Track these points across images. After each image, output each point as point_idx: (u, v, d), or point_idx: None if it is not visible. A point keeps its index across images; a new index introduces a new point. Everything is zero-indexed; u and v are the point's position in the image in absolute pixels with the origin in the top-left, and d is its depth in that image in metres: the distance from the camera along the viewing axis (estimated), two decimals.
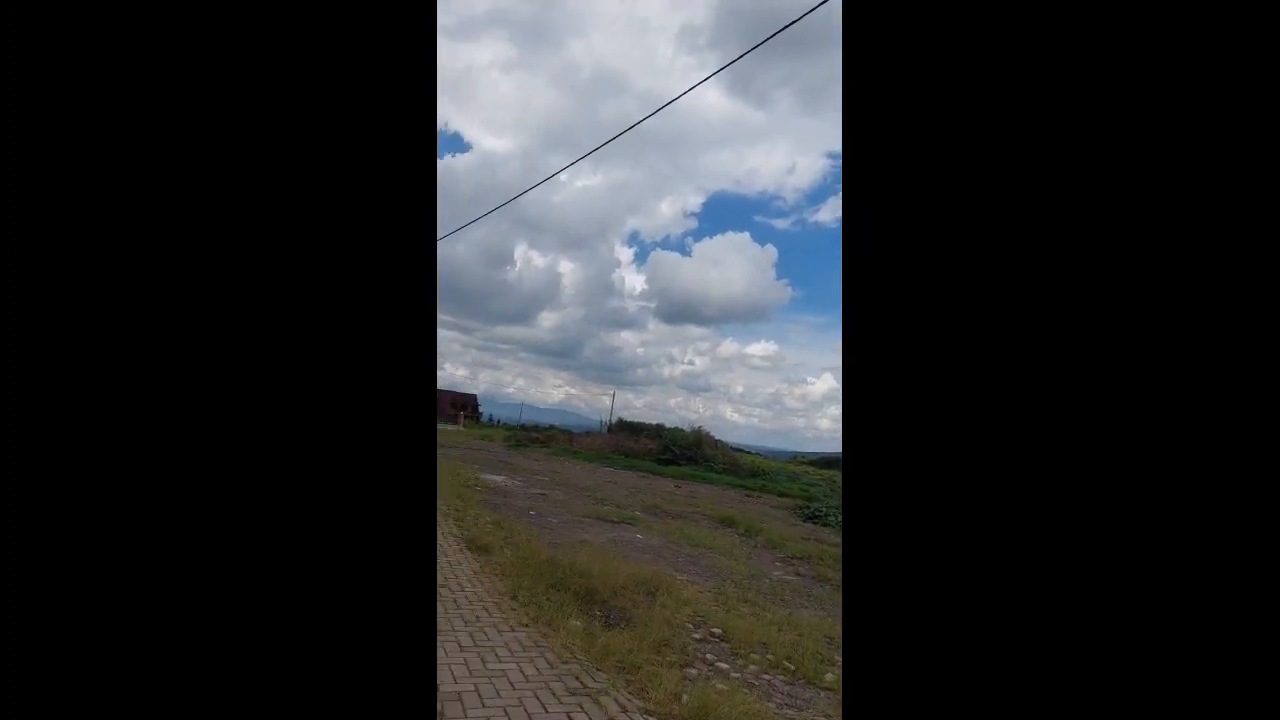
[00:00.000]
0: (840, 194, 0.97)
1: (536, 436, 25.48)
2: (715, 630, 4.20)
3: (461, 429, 28.31)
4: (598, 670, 3.25)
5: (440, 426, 27.09)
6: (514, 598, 4.31)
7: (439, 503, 7.78)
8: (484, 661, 3.20)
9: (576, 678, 3.13)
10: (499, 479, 11.46)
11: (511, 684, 2.98)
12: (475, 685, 2.92)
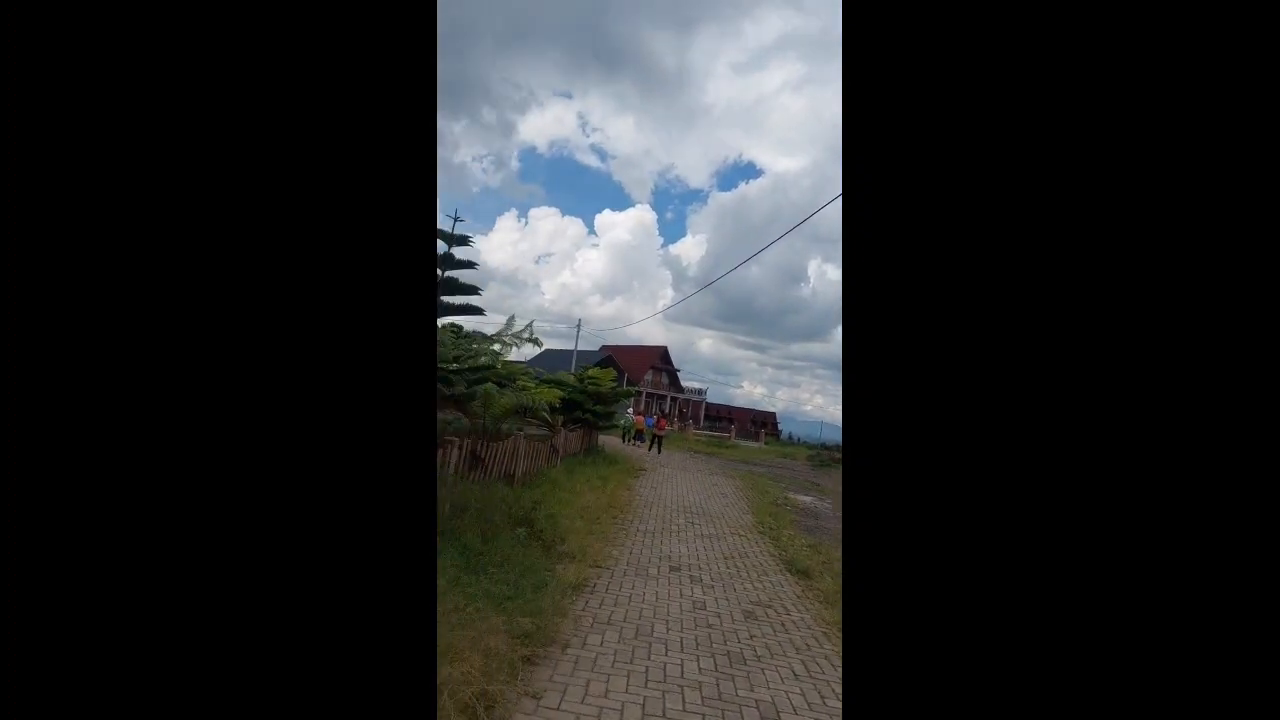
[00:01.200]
0: None
1: (841, 457, 24.41)
2: None
3: (763, 446, 28.68)
4: None
5: (743, 443, 27.83)
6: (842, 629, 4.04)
7: (751, 518, 7.89)
8: (821, 696, 3.03)
9: None
10: (807, 499, 11.19)
11: None
12: None
